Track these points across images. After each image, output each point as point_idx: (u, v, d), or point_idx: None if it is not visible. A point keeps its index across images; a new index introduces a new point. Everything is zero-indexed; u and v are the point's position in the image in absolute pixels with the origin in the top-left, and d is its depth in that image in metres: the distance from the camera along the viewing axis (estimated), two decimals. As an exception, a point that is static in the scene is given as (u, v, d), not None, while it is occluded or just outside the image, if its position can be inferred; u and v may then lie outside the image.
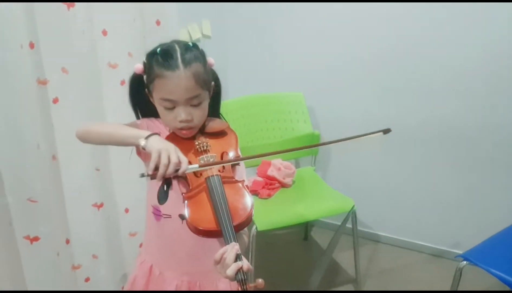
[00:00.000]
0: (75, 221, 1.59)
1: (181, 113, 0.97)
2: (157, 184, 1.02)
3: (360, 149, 2.26)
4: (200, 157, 0.99)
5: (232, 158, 1.02)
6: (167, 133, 1.06)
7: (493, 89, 1.92)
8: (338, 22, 2.16)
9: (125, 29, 1.62)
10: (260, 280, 0.80)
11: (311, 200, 1.94)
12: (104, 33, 1.56)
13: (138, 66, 1.03)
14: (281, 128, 2.23)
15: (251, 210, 0.92)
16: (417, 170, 2.21)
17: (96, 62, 1.55)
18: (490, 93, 1.93)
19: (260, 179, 2.04)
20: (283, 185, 2.05)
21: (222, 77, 1.12)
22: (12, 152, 1.31)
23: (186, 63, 0.94)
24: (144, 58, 1.02)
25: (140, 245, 1.74)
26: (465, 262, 1.46)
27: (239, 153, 1.06)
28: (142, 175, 0.90)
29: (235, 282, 0.81)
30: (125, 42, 1.64)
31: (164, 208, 1.04)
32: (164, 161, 0.87)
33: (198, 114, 1.00)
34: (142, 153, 0.97)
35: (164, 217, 1.04)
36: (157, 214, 1.05)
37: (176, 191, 1.01)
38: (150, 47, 1.02)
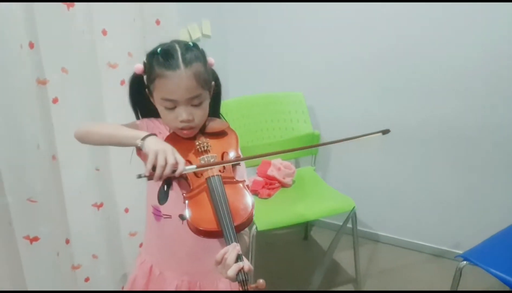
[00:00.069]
0: (75, 221, 1.59)
1: (182, 113, 0.97)
2: (157, 184, 1.02)
3: (360, 149, 2.26)
4: (201, 157, 0.99)
5: (232, 158, 1.02)
6: (167, 133, 1.06)
7: (493, 89, 1.92)
8: (338, 22, 2.16)
9: (125, 29, 1.62)
10: (261, 281, 0.80)
11: (311, 199, 1.94)
12: (104, 33, 1.56)
13: (138, 66, 1.03)
14: (281, 128, 2.23)
15: (252, 210, 0.92)
16: (417, 170, 2.21)
17: (96, 62, 1.55)
18: (490, 93, 1.93)
19: (260, 178, 2.04)
20: (283, 185, 2.05)
21: (222, 77, 1.12)
22: (12, 152, 1.30)
23: (187, 63, 0.94)
24: (144, 58, 1.02)
25: (140, 245, 1.74)
26: (465, 262, 1.47)
27: (240, 153, 1.06)
28: (139, 176, 0.90)
29: (236, 282, 0.81)
30: (125, 42, 1.64)
31: (164, 208, 1.03)
32: (161, 162, 0.87)
33: (199, 114, 1.00)
34: (142, 153, 0.97)
35: (164, 217, 1.04)
36: (157, 214, 1.05)
37: (176, 191, 1.01)
38: (150, 47, 1.01)
